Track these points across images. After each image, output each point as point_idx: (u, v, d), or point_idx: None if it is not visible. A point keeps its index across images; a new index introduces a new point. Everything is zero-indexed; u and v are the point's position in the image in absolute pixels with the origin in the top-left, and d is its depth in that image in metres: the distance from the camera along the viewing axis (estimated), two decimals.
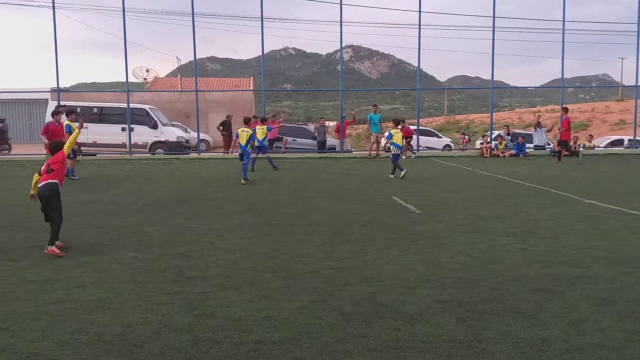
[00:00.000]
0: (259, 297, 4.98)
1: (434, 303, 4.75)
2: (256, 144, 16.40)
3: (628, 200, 10.41)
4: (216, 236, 7.58)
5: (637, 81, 24.42)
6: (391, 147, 15.14)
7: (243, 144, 13.75)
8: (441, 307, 4.64)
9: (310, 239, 7.34)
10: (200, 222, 8.59)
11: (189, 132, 27.36)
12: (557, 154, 19.90)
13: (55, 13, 22.00)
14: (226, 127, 24.18)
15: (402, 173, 14.02)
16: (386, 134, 16.59)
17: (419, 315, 4.45)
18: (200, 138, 25.30)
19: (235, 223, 8.53)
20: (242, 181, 13.52)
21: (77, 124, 8.89)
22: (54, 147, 7.11)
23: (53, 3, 22.02)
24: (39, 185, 6.69)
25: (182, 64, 41.46)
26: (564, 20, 23.21)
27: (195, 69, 23.84)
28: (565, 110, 20.40)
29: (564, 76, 24.56)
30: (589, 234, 7.53)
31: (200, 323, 4.33)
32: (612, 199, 10.45)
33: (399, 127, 15.38)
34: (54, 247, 6.57)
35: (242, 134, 13.87)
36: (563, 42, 23.35)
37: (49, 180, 6.65)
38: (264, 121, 18.10)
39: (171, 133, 24.80)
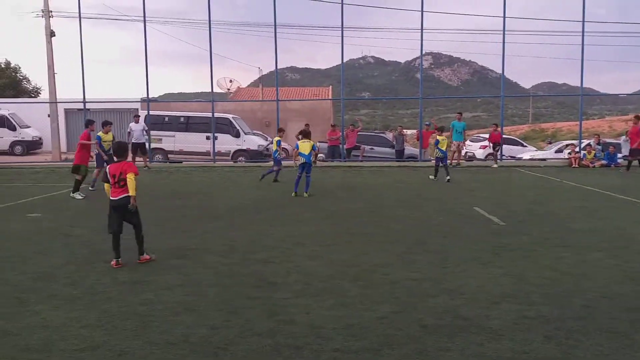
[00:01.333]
0: (338, 305, 5.00)
1: (520, 319, 4.58)
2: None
3: None
4: (296, 243, 7.69)
5: None
6: (437, 151, 16.21)
7: (306, 153, 13.46)
8: (527, 323, 4.47)
9: (390, 249, 7.28)
10: (280, 229, 8.74)
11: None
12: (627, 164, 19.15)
13: (146, 26, 23.20)
14: (305, 135, 24.53)
15: (432, 177, 15.49)
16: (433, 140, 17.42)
17: (504, 331, 4.31)
18: (281, 146, 25.76)
19: (314, 230, 8.61)
20: (298, 194, 12.84)
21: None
22: (121, 149, 7.02)
23: (144, 17, 23.24)
24: (115, 198, 6.56)
25: (263, 74, 42.51)
26: None
27: (277, 78, 24.37)
28: (638, 118, 19.33)
29: None
30: None
31: (281, 328, 4.40)
32: None
33: (444, 134, 16.39)
34: (144, 255, 6.73)
35: (304, 144, 13.66)
36: None
37: (126, 195, 6.54)
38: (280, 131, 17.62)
39: (252, 141, 25.46)
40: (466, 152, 27.92)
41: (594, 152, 21.83)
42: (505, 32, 22.19)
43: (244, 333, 4.32)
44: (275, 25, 22.96)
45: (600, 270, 6.13)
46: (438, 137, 16.20)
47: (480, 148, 28.38)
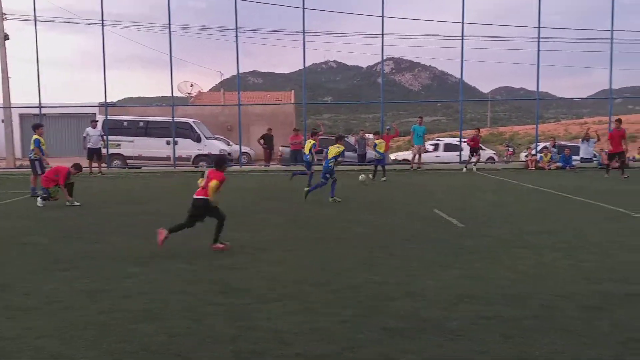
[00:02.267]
0: (301, 310, 5.00)
1: (479, 319, 4.67)
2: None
3: None
4: (261, 248, 7.66)
5: None
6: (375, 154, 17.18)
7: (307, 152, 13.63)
8: (486, 324, 4.56)
9: (353, 253, 7.32)
10: (245, 234, 8.69)
11: (231, 145, 27.81)
12: (606, 167, 19.23)
13: (105, 30, 22.79)
14: (267, 140, 24.49)
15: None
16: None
17: (463, 331, 4.38)
18: (242, 151, 25.67)
19: (280, 236, 8.60)
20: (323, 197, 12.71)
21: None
22: (218, 161, 7.88)
23: (102, 20, 22.82)
24: (196, 196, 7.49)
25: (224, 78, 42.31)
26: (612, 30, 22.66)
27: (238, 83, 24.27)
28: (620, 122, 19.27)
29: (613, 87, 23.91)
30: (639, 250, 7.28)
31: (243, 334, 4.38)
32: None
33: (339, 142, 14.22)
34: (217, 243, 7.49)
35: (332, 149, 13.08)
36: (611, 52, 22.78)
37: (204, 197, 7.45)
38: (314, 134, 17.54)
39: (214, 146, 25.27)
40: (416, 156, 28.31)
41: (550, 154, 22.46)
42: (464, 38, 22.68)
43: (205, 340, 4.28)
44: (236, 30, 22.89)
45: (557, 270, 6.30)
46: (376, 141, 17.52)
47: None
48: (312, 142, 15.50)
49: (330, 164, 12.61)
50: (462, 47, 22.69)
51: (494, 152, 32.04)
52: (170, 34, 23.00)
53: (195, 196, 7.53)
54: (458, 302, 5.15)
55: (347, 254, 7.25)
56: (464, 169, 21.35)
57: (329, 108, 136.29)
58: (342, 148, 12.74)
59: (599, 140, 23.34)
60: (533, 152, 23.13)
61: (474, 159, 21.55)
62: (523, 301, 5.15)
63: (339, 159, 12.79)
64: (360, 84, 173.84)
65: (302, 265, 6.67)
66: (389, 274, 6.23)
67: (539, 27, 22.56)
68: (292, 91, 43.95)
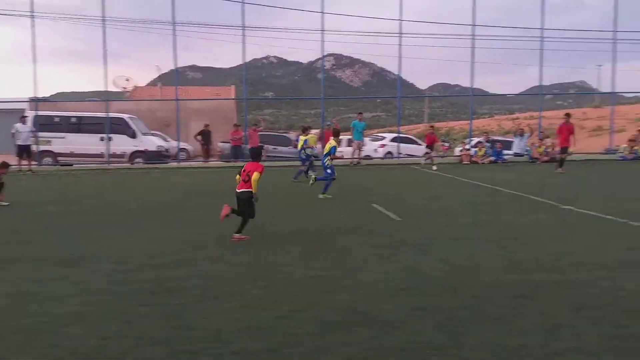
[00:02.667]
0: (238, 307, 4.94)
1: (414, 310, 4.75)
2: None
3: (604, 205, 10.55)
4: (196, 247, 7.52)
5: (613, 88, 24.91)
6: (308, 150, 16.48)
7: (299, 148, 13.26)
8: (420, 315, 4.64)
9: (292, 248, 7.31)
10: (181, 232, 8.52)
11: (169, 141, 27.20)
12: (558, 162, 18.63)
13: (36, 22, 21.76)
14: (205, 136, 24.09)
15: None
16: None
17: (398, 323, 4.45)
18: (180, 147, 25.16)
19: (215, 233, 8.46)
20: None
21: None
22: (254, 153, 8.31)
23: (32, 12, 21.78)
24: (238, 190, 7.89)
25: (162, 72, 41.25)
26: (542, 29, 23.61)
27: (177, 77, 23.76)
28: (568, 115, 19.00)
29: (543, 83, 24.95)
30: (566, 240, 7.62)
31: (178, 335, 4.28)
32: (588, 205, 10.58)
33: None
34: (240, 235, 7.79)
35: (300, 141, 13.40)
36: (541, 50, 23.74)
37: (247, 189, 7.83)
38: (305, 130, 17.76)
39: (150, 142, 24.64)
40: (360, 152, 28.67)
41: (484, 149, 23.21)
42: (402, 35, 23.06)
43: (138, 342, 4.15)
44: (174, 23, 22.37)
45: (489, 261, 6.50)
46: (306, 137, 17.07)
47: (379, 147, 29.23)
48: (305, 137, 16.33)
49: (325, 162, 12.59)
50: (400, 45, 23.11)
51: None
52: (104, 26, 22.22)
53: (238, 190, 7.91)
54: (394, 294, 5.22)
55: (285, 250, 7.22)
56: (434, 167, 20.54)
57: (270, 103, 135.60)
58: (333, 144, 12.60)
59: (532, 134, 24.28)
60: (467, 146, 23.82)
61: (433, 154, 21.63)
62: (456, 292, 5.28)
63: (332, 155, 12.64)
64: (301, 79, 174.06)
65: (239, 263, 6.60)
66: (326, 268, 6.25)
67: (473, 25, 23.24)
68: (233, 86, 43.42)
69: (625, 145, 23.94)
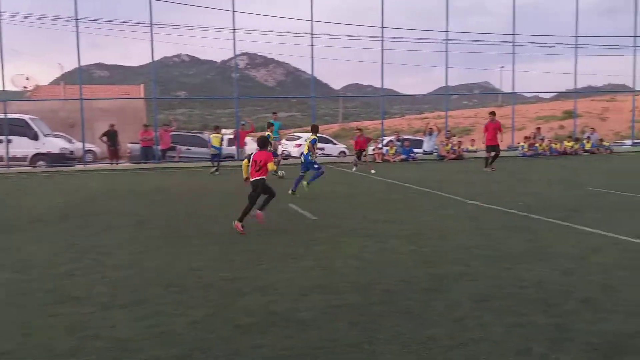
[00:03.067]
0: (148, 314, 4.78)
1: (328, 308, 4.80)
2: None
3: (507, 200, 11.19)
4: (104, 252, 7.20)
5: (513, 88, 26.44)
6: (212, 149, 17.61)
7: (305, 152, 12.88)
8: (335, 312, 4.70)
9: (205, 251, 7.18)
10: (87, 238, 8.13)
11: (74, 143, 25.91)
12: (485, 160, 18.74)
13: None
14: (111, 137, 23.11)
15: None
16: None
17: (312, 322, 4.48)
18: (86, 149, 24.04)
19: (125, 237, 8.16)
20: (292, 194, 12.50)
21: None
22: (262, 143, 8.82)
23: None
24: (252, 179, 8.50)
25: (66, 71, 39.24)
26: (447, 31, 24.63)
27: (80, 75, 22.64)
28: (493, 114, 18.94)
29: (449, 84, 26.07)
30: (471, 234, 7.99)
31: (83, 345, 4.07)
32: (493, 200, 11.18)
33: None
34: (261, 212, 8.49)
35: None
36: (447, 51, 24.77)
37: (261, 177, 8.48)
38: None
39: (53, 144, 23.37)
40: (282, 151, 28.74)
41: (395, 148, 23.91)
42: (314, 36, 23.28)
43: (40, 355, 3.92)
44: (76, 19, 21.33)
45: (400, 257, 6.70)
46: (211, 136, 18.00)
47: (295, 147, 29.38)
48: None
49: (310, 157, 12.62)
50: (312, 45, 23.33)
51: (345, 146, 33.35)
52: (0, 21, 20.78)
53: (252, 178, 8.53)
54: (308, 293, 5.26)
55: (197, 253, 7.08)
56: (373, 171, 19.34)
57: (183, 103, 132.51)
58: (311, 138, 12.88)
59: (439, 133, 25.27)
60: (379, 145, 24.44)
61: (365, 159, 20.49)
62: (369, 288, 5.40)
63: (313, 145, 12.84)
64: (214, 78, 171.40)
65: (150, 268, 6.39)
66: (240, 269, 6.19)
67: (382, 27, 23.86)
68: (142, 85, 41.97)
69: (523, 142, 25.47)
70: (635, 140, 30.72)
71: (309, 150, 12.82)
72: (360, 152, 20.65)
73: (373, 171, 18.89)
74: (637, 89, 29.60)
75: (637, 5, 26.01)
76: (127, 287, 5.61)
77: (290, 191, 12.49)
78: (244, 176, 8.80)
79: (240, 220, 8.32)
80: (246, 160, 8.74)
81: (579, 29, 25.92)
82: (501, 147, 22.83)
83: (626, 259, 6.33)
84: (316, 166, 12.80)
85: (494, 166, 17.90)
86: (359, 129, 21.86)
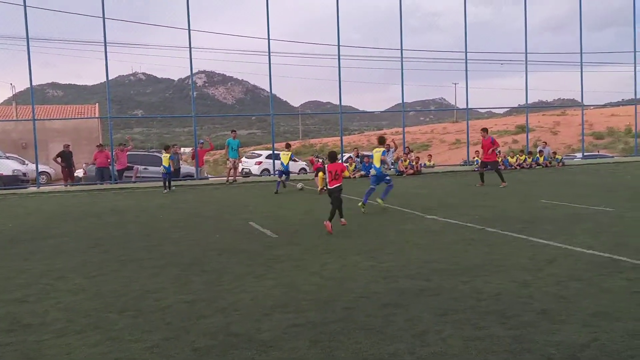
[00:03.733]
0: (104, 340, 4.64)
1: (289, 328, 4.77)
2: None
3: (464, 213, 11.39)
4: (57, 277, 6.98)
5: (467, 104, 27.07)
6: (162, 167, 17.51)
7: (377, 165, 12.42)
8: (296, 331, 4.67)
9: (163, 273, 7.03)
10: (39, 263, 7.86)
11: (27, 165, 25.16)
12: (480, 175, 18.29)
13: None
14: (65, 158, 22.51)
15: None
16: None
17: (273, 342, 4.43)
18: (40, 170, 23.36)
19: (79, 261, 7.93)
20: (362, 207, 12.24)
21: None
22: (332, 157, 10.34)
23: None
24: (330, 187, 10.01)
25: (18, 91, 38.20)
26: (401, 49, 25.07)
27: (32, 95, 22.01)
28: (485, 131, 18.30)
29: (406, 100, 26.48)
30: (430, 248, 8.09)
31: None
32: (451, 214, 11.36)
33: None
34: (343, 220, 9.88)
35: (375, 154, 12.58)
36: (402, 69, 25.20)
37: (339, 184, 10.00)
38: (288, 146, 19.30)
39: (5, 166, 22.64)
40: (243, 169, 28.59)
41: (354, 164, 24.07)
42: (271, 54, 23.37)
43: None
44: (27, 38, 20.82)
45: (360, 272, 6.72)
46: (162, 156, 18.16)
47: (255, 164, 29.30)
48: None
49: (382, 170, 12.34)
50: (270, 63, 23.36)
51: (305, 163, 33.42)
52: None
53: (330, 186, 10.00)
54: (270, 313, 5.21)
55: (156, 275, 6.93)
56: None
57: (140, 122, 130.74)
58: (381, 150, 12.40)
59: (396, 149, 25.56)
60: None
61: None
62: (330, 305, 5.39)
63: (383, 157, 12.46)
64: (172, 96, 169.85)
65: (106, 292, 6.22)
66: (200, 291, 6.09)
67: (338, 45, 24.12)
68: (97, 104, 41.19)
69: (477, 157, 25.99)
70: (586, 153, 31.82)
71: (381, 163, 12.34)
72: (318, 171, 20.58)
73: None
74: (586, 103, 30.69)
75: (582, 23, 27.11)
76: (82, 312, 5.44)
77: (360, 204, 12.27)
78: (320, 187, 10.69)
79: (330, 219, 9.65)
80: (321, 173, 10.47)
81: (528, 46, 26.72)
82: (458, 162, 23.29)
83: (579, 270, 6.51)
84: (388, 178, 12.58)
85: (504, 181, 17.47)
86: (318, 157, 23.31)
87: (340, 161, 10.36)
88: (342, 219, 9.91)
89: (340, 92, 24.54)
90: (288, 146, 19.35)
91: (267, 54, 23.31)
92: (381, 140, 12.97)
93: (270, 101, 25.12)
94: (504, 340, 4.32)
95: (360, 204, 12.32)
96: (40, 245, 9.30)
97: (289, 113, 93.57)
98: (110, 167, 21.89)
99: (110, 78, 22.49)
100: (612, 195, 14.03)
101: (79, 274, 7.14)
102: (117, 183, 21.62)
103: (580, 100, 29.19)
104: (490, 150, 17.99)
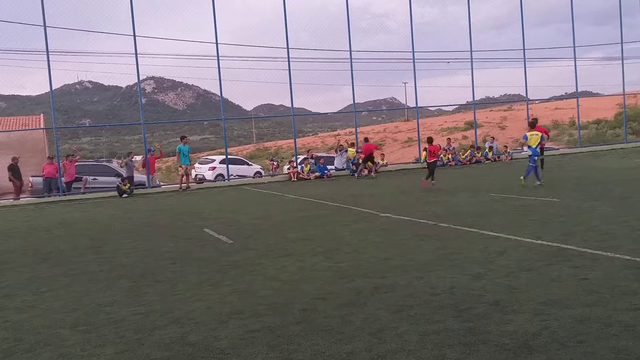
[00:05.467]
0: (55, 357, 4.49)
1: (246, 333, 4.72)
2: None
3: (417, 210, 11.57)
4: (3, 295, 6.72)
5: (416, 103, 27.51)
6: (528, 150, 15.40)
7: (534, 146, 14.73)
8: (253, 337, 4.63)
9: (115, 285, 6.86)
10: None
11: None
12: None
13: None
14: (14, 171, 21.71)
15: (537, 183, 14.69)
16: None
17: (231, 349, 4.38)
18: None
19: (27, 277, 7.64)
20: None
21: None
22: (431, 141, 16.65)
23: None
24: (429, 161, 15.93)
25: None
26: (350, 50, 25.27)
27: None
28: (430, 140, 17.08)
29: (357, 101, 26.70)
30: (385, 245, 8.18)
31: None
32: (404, 211, 11.52)
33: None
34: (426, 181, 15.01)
35: (532, 137, 14.83)
36: (352, 70, 25.39)
37: (434, 160, 15.81)
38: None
39: None
40: (196, 175, 28.19)
41: (309, 165, 24.10)
42: (220, 58, 23.13)
43: None
44: None
45: (317, 274, 6.72)
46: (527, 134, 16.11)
47: (209, 170, 28.91)
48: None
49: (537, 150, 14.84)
50: (219, 67, 23.13)
51: (261, 166, 33.23)
52: None
53: (429, 161, 16.06)
54: (227, 320, 5.15)
55: (108, 288, 6.75)
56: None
57: (88, 131, 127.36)
58: (539, 135, 14.99)
59: (347, 150, 25.74)
60: (295, 164, 24.56)
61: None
62: (287, 308, 5.37)
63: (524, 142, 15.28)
64: (120, 104, 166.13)
65: (56, 308, 6.01)
66: (153, 302, 5.96)
67: (287, 48, 24.11)
68: (42, 115, 39.83)
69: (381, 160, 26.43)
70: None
71: (536, 145, 14.73)
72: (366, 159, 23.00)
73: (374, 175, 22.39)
74: (531, 98, 31.65)
75: (524, 21, 27.90)
76: (32, 330, 5.25)
77: (521, 177, 14.71)
78: (422, 160, 14.94)
79: (426, 179, 15.35)
80: (424, 151, 16.11)
81: (474, 44, 27.34)
82: (410, 160, 23.63)
83: (529, 260, 6.71)
84: (535, 158, 14.64)
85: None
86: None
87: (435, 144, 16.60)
88: (433, 181, 15.69)
89: (291, 94, 24.53)
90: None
91: (216, 58, 23.09)
92: (532, 124, 15.60)
93: (221, 105, 24.89)
94: (458, 332, 4.40)
95: (521, 177, 14.74)
96: None
97: (242, 117, 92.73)
98: (58, 179, 21.21)
99: (55, 87, 21.81)
100: (558, 186, 14.52)
101: (27, 290, 6.89)
102: (65, 195, 20.96)
103: (525, 95, 30.09)
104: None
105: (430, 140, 16.64)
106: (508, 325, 4.50)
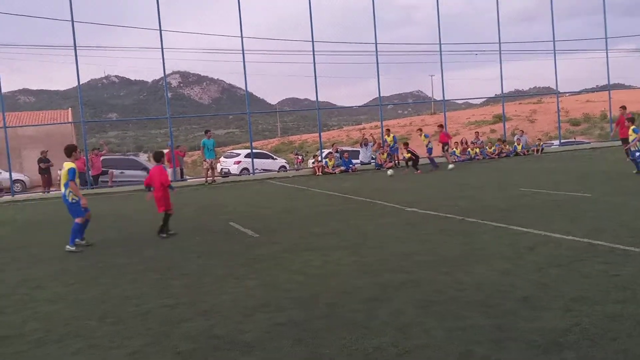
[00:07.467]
0: (84, 347, 4.56)
1: (272, 327, 4.72)
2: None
3: (444, 205, 11.44)
4: (34, 287, 6.84)
5: (443, 96, 27.24)
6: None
7: None
8: (278, 331, 4.63)
9: (143, 278, 6.93)
10: (15, 273, 7.71)
11: (0, 173, 24.70)
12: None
13: None
14: (44, 163, 22.21)
15: None
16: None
17: (256, 342, 4.39)
18: (15, 178, 22.95)
19: (57, 269, 7.78)
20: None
21: None
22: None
23: None
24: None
25: None
26: (376, 43, 25.11)
27: (2, 102, 21.56)
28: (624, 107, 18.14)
29: (383, 94, 26.55)
30: (411, 240, 8.10)
31: None
32: (430, 205, 11.41)
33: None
34: None
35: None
36: (377, 63, 25.23)
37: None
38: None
39: None
40: (222, 169, 28.39)
41: (334, 159, 24.06)
42: (245, 52, 23.21)
43: None
44: None
45: (342, 268, 6.70)
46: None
47: (234, 164, 29.09)
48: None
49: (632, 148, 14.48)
50: (244, 61, 23.21)
51: (285, 160, 33.31)
52: None
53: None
54: (252, 313, 5.16)
55: (135, 280, 6.83)
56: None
57: (115, 125, 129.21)
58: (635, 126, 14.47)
59: (375, 143, 25.63)
60: (319, 158, 24.54)
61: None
62: (312, 302, 5.36)
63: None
64: (147, 98, 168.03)
65: (84, 299, 6.11)
66: (181, 294, 6.01)
67: (312, 41, 24.06)
68: (70, 109, 40.56)
69: (454, 148, 26.17)
70: (563, 141, 32.25)
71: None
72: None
73: (451, 165, 21.54)
74: (561, 90, 31.09)
75: (553, 14, 27.37)
76: (61, 321, 5.34)
77: (635, 171, 14.40)
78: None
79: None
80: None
81: (502, 36, 26.93)
82: (437, 154, 23.41)
83: (559, 256, 6.58)
84: (638, 154, 14.34)
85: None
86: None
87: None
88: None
89: (316, 87, 24.50)
90: None
91: (242, 51, 23.16)
92: (633, 119, 15.30)
93: (246, 100, 24.98)
94: (486, 329, 4.33)
95: (635, 171, 14.46)
96: (15, 255, 9.12)
97: (266, 111, 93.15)
98: (86, 173, 21.56)
99: (82, 82, 22.18)
100: (588, 180, 14.23)
101: (57, 282, 7.01)
102: (93, 188, 21.31)
103: (555, 88, 29.54)
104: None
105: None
106: (537, 321, 4.42)
